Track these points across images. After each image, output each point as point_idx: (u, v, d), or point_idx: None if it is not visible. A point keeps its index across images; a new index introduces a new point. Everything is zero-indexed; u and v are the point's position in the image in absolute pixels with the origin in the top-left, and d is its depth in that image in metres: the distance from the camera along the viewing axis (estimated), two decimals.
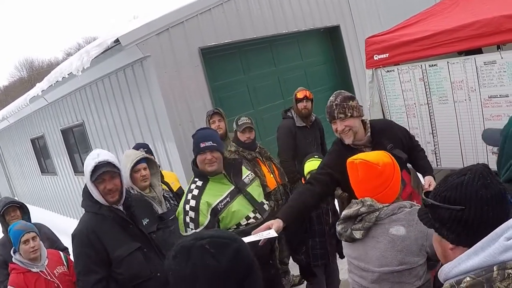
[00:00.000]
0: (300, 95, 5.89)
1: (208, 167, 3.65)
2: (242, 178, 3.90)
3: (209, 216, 3.62)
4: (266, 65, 8.69)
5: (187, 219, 3.60)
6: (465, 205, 1.54)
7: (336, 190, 5.47)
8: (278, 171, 5.16)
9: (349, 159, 2.78)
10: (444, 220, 1.59)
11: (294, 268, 5.43)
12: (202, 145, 3.63)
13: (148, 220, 3.66)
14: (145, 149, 4.92)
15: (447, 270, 1.53)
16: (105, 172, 3.26)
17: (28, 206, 14.40)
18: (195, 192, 3.69)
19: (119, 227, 3.35)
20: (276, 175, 5.12)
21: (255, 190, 3.96)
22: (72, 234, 3.37)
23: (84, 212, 3.48)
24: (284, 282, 5.21)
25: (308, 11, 9.28)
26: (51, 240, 4.86)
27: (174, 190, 4.91)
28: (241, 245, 1.56)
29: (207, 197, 3.66)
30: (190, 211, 3.61)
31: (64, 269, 4.30)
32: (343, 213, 2.76)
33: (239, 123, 5.02)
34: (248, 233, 3.56)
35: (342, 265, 5.49)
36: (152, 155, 4.96)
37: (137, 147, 4.99)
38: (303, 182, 4.54)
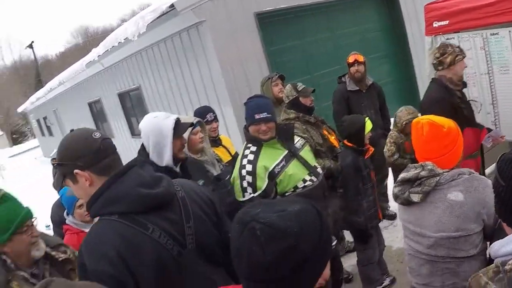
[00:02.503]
0: (351, 59, 5.99)
1: (261, 136, 3.80)
2: (294, 143, 4.02)
3: (267, 180, 3.74)
4: (322, 31, 8.70)
5: (244, 184, 3.74)
6: (504, 183, 1.59)
7: (390, 156, 5.63)
8: (334, 133, 5.22)
9: (415, 119, 2.79)
10: (495, 191, 1.66)
11: (347, 235, 5.60)
12: (257, 116, 3.75)
13: (203, 181, 3.66)
14: (214, 114, 5.07)
15: (496, 248, 1.58)
16: (187, 126, 3.40)
17: None
18: (251, 157, 3.81)
19: None
20: (335, 136, 5.18)
21: (307, 155, 4.08)
22: None
23: None
24: (339, 248, 5.32)
25: None
26: None
27: (233, 154, 5.10)
28: (299, 240, 1.41)
29: (263, 161, 3.76)
30: (247, 176, 3.74)
31: None
32: (401, 175, 2.77)
33: (299, 89, 5.04)
34: (307, 196, 3.72)
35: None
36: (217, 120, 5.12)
37: (205, 110, 5.09)
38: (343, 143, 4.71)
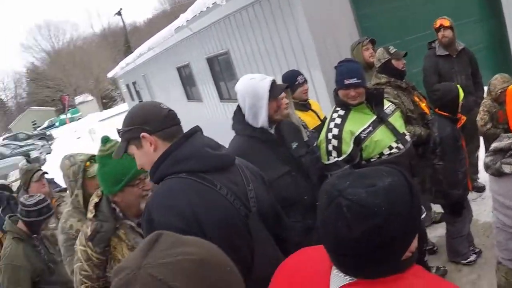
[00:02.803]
0: (437, 24, 5.91)
1: (350, 101, 3.84)
2: (384, 109, 4.02)
3: (352, 145, 3.79)
4: None
5: (330, 147, 3.82)
6: None
7: (483, 126, 5.47)
8: (425, 100, 5.14)
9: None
10: None
11: (434, 206, 5.59)
12: (346, 81, 3.78)
13: (296, 144, 3.64)
14: (303, 76, 5.14)
15: None
16: (283, 87, 3.48)
17: None
18: (338, 121, 3.87)
19: (270, 150, 3.43)
20: (425, 103, 5.10)
21: (397, 121, 4.06)
22: None
23: (234, 135, 3.59)
24: (425, 218, 5.21)
25: None
26: None
27: (322, 118, 5.16)
28: (388, 218, 1.39)
29: (350, 126, 3.81)
30: (333, 139, 3.82)
31: None
32: (493, 145, 2.72)
33: (391, 51, 4.99)
34: (394, 163, 3.82)
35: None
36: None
37: (294, 73, 5.18)
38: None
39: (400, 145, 3.91)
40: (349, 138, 3.78)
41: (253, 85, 3.37)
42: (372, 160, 3.88)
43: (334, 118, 3.90)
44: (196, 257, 1.07)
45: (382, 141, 3.85)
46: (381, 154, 3.87)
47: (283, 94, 3.97)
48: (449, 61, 5.96)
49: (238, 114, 3.51)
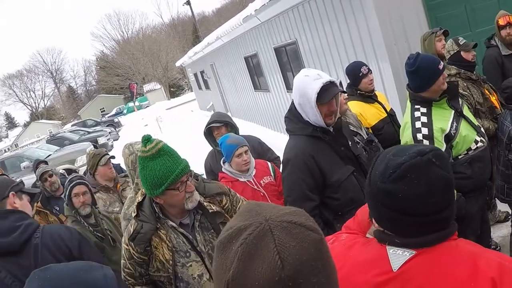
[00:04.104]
0: (502, 21, 5.59)
1: (442, 86, 3.69)
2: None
3: (444, 144, 3.65)
4: None
5: None
6: None
7: None
8: (496, 94, 5.03)
9: None
10: None
11: (499, 205, 5.41)
12: (440, 66, 3.67)
13: (351, 143, 3.56)
14: (368, 67, 5.11)
15: None
16: (335, 92, 3.28)
17: (240, 120, 15.56)
18: (424, 119, 3.69)
19: (331, 150, 3.35)
20: (496, 97, 5.00)
21: (469, 114, 3.97)
22: (285, 159, 3.43)
23: (290, 136, 3.52)
24: (490, 216, 5.18)
25: None
26: (258, 152, 5.02)
27: (388, 110, 5.17)
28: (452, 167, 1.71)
29: (439, 123, 3.67)
30: (424, 140, 3.64)
31: (270, 179, 4.48)
32: None
33: (461, 43, 4.95)
34: (480, 158, 3.76)
35: None
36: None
37: (358, 64, 5.17)
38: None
39: (482, 138, 3.84)
40: (441, 136, 3.66)
41: (304, 83, 3.26)
42: (460, 157, 3.77)
43: (418, 117, 3.73)
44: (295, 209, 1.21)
45: (469, 136, 3.74)
46: (469, 149, 3.75)
47: (342, 98, 3.97)
48: None
49: (295, 111, 3.41)
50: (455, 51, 4.99)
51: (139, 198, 2.96)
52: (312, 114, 3.24)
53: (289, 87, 12.25)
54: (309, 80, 3.22)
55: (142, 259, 2.87)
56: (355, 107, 4.92)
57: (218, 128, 4.96)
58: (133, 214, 2.92)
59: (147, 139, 2.77)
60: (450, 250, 1.62)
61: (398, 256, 1.64)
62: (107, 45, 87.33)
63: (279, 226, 1.11)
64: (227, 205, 3.13)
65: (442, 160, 1.63)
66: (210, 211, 2.95)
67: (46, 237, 2.76)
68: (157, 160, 2.69)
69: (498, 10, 6.29)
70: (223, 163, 4.45)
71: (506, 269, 1.52)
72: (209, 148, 5.29)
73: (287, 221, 1.12)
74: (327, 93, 3.19)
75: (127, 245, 2.88)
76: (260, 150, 5.11)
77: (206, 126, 5.03)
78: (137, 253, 2.85)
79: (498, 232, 5.42)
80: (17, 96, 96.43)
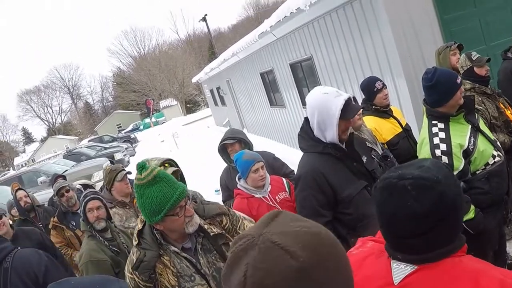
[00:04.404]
0: None
1: (459, 101, 3.70)
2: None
3: (462, 159, 3.64)
4: None
5: None
6: None
7: None
8: (511, 107, 5.03)
9: None
10: None
11: None
12: (458, 80, 3.69)
13: (366, 158, 3.59)
14: (382, 81, 5.12)
15: None
16: (358, 108, 3.41)
17: (256, 136, 15.67)
18: (442, 135, 3.69)
19: (343, 166, 3.37)
20: (511, 111, 4.99)
21: (485, 128, 3.96)
22: (297, 176, 3.52)
23: (303, 154, 3.55)
24: (506, 231, 5.06)
25: None
26: (273, 167, 5.02)
27: (403, 125, 5.17)
28: (446, 187, 1.61)
29: (457, 139, 3.66)
30: (443, 156, 3.63)
31: (286, 195, 4.47)
32: None
33: (474, 58, 4.96)
34: (498, 172, 3.73)
35: None
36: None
37: (372, 80, 5.20)
38: None
39: (499, 153, 3.83)
40: (459, 152, 3.65)
41: (325, 100, 3.27)
42: (477, 172, 3.76)
43: (436, 133, 3.74)
44: (314, 229, 1.16)
45: (486, 151, 3.73)
46: (487, 164, 3.74)
47: (356, 116, 3.94)
48: None
49: (306, 128, 3.46)
50: (468, 66, 5.00)
51: (139, 226, 2.94)
52: (330, 131, 3.27)
53: (305, 103, 12.19)
54: (330, 98, 3.25)
55: (148, 287, 2.86)
56: (370, 122, 4.93)
57: (232, 144, 5.03)
58: (135, 243, 2.92)
59: (142, 166, 2.74)
60: (453, 266, 1.63)
61: (400, 270, 1.69)
62: (123, 61, 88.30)
63: (265, 244, 1.12)
64: (227, 225, 3.15)
65: (421, 192, 1.61)
66: (212, 234, 2.96)
67: (16, 261, 2.87)
68: (154, 187, 2.67)
69: None
70: (239, 179, 4.46)
71: (508, 286, 1.53)
72: (224, 164, 5.32)
73: (273, 241, 1.11)
74: (350, 108, 3.26)
75: (131, 274, 2.86)
76: (275, 165, 5.15)
77: (220, 143, 5.10)
78: (142, 281, 2.83)
79: None
80: (34, 112, 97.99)
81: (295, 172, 3.78)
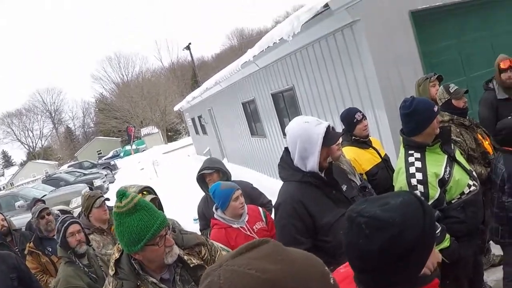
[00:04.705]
0: (504, 64, 5.67)
1: (436, 130, 3.79)
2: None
3: (438, 188, 3.69)
4: (479, 29, 8.40)
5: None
6: None
7: None
8: (489, 138, 5.09)
9: None
10: None
11: (494, 248, 5.43)
12: (435, 108, 3.79)
13: (346, 186, 3.64)
14: (361, 112, 5.17)
15: None
16: (339, 134, 3.46)
17: (236, 166, 15.63)
18: (418, 164, 3.74)
19: (322, 194, 3.39)
20: (489, 142, 5.06)
21: (461, 158, 4.03)
22: (276, 204, 3.48)
23: (283, 183, 3.56)
24: (484, 260, 5.19)
25: None
26: (251, 197, 5.09)
27: (382, 156, 5.20)
28: (403, 229, 1.59)
29: (433, 168, 3.71)
30: (418, 185, 3.67)
31: (263, 224, 4.50)
32: None
33: (451, 90, 5.02)
34: (473, 202, 3.76)
35: None
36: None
37: (352, 111, 5.23)
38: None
39: (475, 182, 3.88)
40: (435, 181, 3.70)
41: (307, 129, 3.33)
42: (453, 201, 3.79)
43: (412, 162, 3.79)
44: (267, 276, 1.08)
45: (462, 180, 3.80)
46: (462, 193, 3.79)
47: (335, 147, 4.00)
48: (508, 104, 5.74)
49: (286, 158, 3.49)
50: (446, 99, 5.07)
51: (116, 255, 2.85)
52: (312, 158, 3.31)
53: (285, 133, 12.24)
54: (311, 126, 3.31)
55: None
56: (350, 152, 4.96)
57: (210, 174, 5.10)
58: (111, 272, 2.81)
59: (122, 194, 2.68)
60: None
61: None
62: (106, 87, 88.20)
63: (214, 278, 1.11)
64: (206, 255, 3.10)
65: (373, 232, 1.61)
66: (192, 265, 2.90)
67: None
68: (134, 216, 2.61)
69: (491, 55, 6.40)
70: (216, 209, 4.46)
71: None
72: (203, 193, 5.36)
73: (219, 277, 1.10)
74: (331, 135, 3.34)
75: None
76: (253, 194, 5.22)
77: (198, 173, 5.14)
78: None
79: (492, 276, 5.43)
80: (15, 135, 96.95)
81: (273, 202, 3.78)
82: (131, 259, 2.78)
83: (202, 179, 5.18)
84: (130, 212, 2.62)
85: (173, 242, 2.79)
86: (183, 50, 51.47)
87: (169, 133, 76.73)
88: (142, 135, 77.00)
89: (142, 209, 2.64)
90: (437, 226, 3.20)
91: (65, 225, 4.75)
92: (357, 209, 1.69)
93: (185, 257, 2.91)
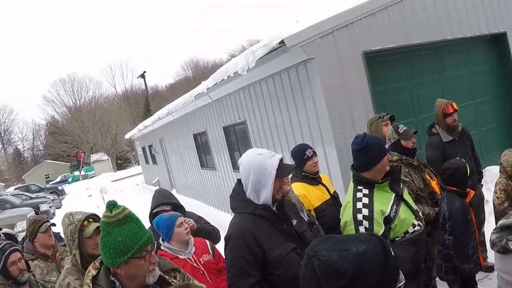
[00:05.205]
0: (449, 109, 5.91)
1: (386, 167, 3.82)
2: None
3: (383, 226, 3.67)
4: (429, 72, 8.69)
5: (361, 229, 3.65)
6: None
7: (500, 204, 5.49)
8: (436, 178, 5.17)
9: None
10: None
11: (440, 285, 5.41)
12: (386, 145, 3.84)
13: (296, 221, 3.60)
14: (312, 149, 5.14)
15: None
16: (292, 167, 3.46)
17: (185, 198, 15.35)
18: (365, 200, 3.74)
19: (273, 227, 3.36)
20: (436, 182, 5.14)
21: (409, 198, 4.04)
22: (226, 237, 3.43)
23: (235, 215, 3.53)
24: None
25: (474, 16, 9.11)
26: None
27: (332, 193, 5.16)
28: (353, 282, 1.54)
29: (379, 205, 3.71)
30: (364, 221, 3.66)
31: (209, 257, 4.45)
32: (500, 222, 2.73)
33: (401, 131, 5.10)
34: (416, 241, 3.77)
35: None
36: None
37: (302, 147, 5.19)
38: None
39: (420, 222, 3.89)
40: (380, 218, 3.68)
41: (260, 161, 3.32)
42: (397, 239, 3.78)
43: (360, 198, 3.79)
44: None
45: (407, 219, 3.79)
46: (406, 232, 3.79)
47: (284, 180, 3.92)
48: (453, 145, 5.99)
49: (238, 189, 3.46)
50: (396, 139, 5.13)
51: (93, 272, 2.73)
52: (265, 190, 3.30)
53: (235, 166, 12.19)
54: (265, 158, 3.32)
55: None
56: (299, 188, 4.94)
57: (167, 211, 4.95)
58: None
59: (113, 204, 2.65)
60: None
61: None
62: (58, 110, 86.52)
63: None
64: (180, 281, 3.06)
65: (324, 277, 1.57)
66: (173, 283, 2.81)
67: None
68: (124, 226, 2.57)
69: (441, 98, 6.55)
70: (162, 241, 4.40)
71: None
72: (148, 224, 5.14)
73: None
74: (284, 168, 3.35)
75: None
76: (200, 223, 5.12)
77: (154, 208, 5.05)
78: None
79: None
80: None
81: (222, 235, 3.78)
82: (110, 275, 2.68)
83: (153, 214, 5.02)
84: (120, 223, 2.59)
85: (158, 261, 2.74)
86: (138, 78, 51.26)
87: (119, 161, 75.69)
88: (92, 161, 75.79)
89: (132, 221, 2.62)
90: (401, 279, 3.14)
91: (5, 254, 4.57)
92: (316, 247, 1.64)
93: (166, 277, 2.88)
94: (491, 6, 9.42)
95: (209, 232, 5.10)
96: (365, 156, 3.80)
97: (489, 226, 6.09)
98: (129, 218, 2.62)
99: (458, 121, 6.03)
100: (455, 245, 4.44)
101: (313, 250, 1.64)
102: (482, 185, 6.56)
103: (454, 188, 4.57)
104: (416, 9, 8.25)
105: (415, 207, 4.03)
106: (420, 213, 4.06)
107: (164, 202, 5.02)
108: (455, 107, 5.95)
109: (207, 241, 4.69)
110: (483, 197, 6.40)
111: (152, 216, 4.99)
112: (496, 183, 5.58)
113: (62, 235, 4.15)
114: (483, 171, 7.31)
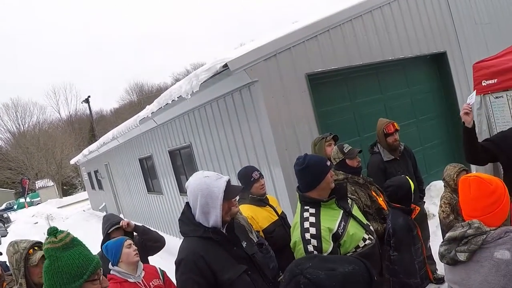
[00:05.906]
0: (390, 129, 5.98)
1: (331, 184, 3.84)
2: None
3: (331, 242, 3.68)
4: (372, 92, 8.83)
5: (310, 248, 3.64)
6: None
7: (445, 218, 5.54)
8: (382, 194, 5.20)
9: (463, 177, 2.80)
10: None
11: None
12: (328, 163, 3.86)
13: (246, 242, 3.61)
14: (259, 171, 5.11)
15: None
16: (240, 188, 3.44)
17: (134, 223, 15.14)
18: (312, 219, 3.74)
19: (223, 250, 3.33)
20: (383, 198, 5.16)
21: (358, 213, 4.08)
22: (176, 261, 3.37)
23: (184, 238, 3.48)
24: None
25: (414, 37, 9.35)
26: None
27: (279, 213, 5.12)
28: None
29: (326, 223, 3.72)
30: (312, 239, 3.65)
31: (159, 282, 4.40)
32: (448, 234, 2.73)
33: (345, 150, 5.12)
34: (368, 255, 3.73)
35: None
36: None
37: (249, 169, 5.15)
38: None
39: (371, 236, 3.90)
40: (328, 235, 3.68)
41: (207, 183, 3.28)
42: (348, 254, 3.73)
43: (307, 217, 3.78)
44: None
45: (356, 234, 3.80)
46: (357, 247, 3.79)
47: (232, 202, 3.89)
48: (395, 164, 6.05)
49: (187, 213, 3.40)
50: (341, 159, 5.14)
51: None
52: (214, 212, 3.27)
53: (182, 190, 12.07)
54: (212, 181, 3.29)
55: None
56: (247, 210, 4.91)
57: (117, 231, 5.05)
58: None
59: (55, 230, 2.55)
60: None
61: None
62: (2, 136, 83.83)
63: None
64: None
65: None
66: None
67: None
68: (73, 250, 2.48)
69: (384, 116, 6.64)
70: (112, 265, 4.31)
71: None
72: (98, 249, 5.06)
73: None
74: (231, 189, 3.32)
75: None
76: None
77: (109, 229, 5.05)
78: None
79: None
80: None
81: (171, 260, 3.61)
82: None
83: (108, 236, 5.01)
84: (68, 247, 2.49)
85: (108, 284, 2.67)
86: (82, 103, 50.41)
87: (65, 187, 73.90)
88: (37, 187, 73.67)
89: (79, 244, 2.55)
90: None
91: None
92: (302, 265, 1.62)
93: None
94: (430, 27, 9.70)
95: (147, 231, 5.34)
96: (308, 176, 3.81)
97: (437, 239, 6.16)
98: (76, 242, 2.53)
99: (399, 140, 6.09)
100: (400, 260, 4.47)
101: (298, 268, 1.61)
102: (424, 202, 6.64)
103: (397, 205, 4.61)
104: (357, 31, 8.38)
105: (365, 221, 4.06)
106: (371, 227, 4.08)
107: (117, 221, 5.04)
108: (396, 126, 6.02)
109: (157, 267, 4.62)
110: (426, 213, 6.46)
111: (107, 238, 4.97)
112: (441, 197, 5.66)
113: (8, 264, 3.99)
114: (427, 187, 7.37)
